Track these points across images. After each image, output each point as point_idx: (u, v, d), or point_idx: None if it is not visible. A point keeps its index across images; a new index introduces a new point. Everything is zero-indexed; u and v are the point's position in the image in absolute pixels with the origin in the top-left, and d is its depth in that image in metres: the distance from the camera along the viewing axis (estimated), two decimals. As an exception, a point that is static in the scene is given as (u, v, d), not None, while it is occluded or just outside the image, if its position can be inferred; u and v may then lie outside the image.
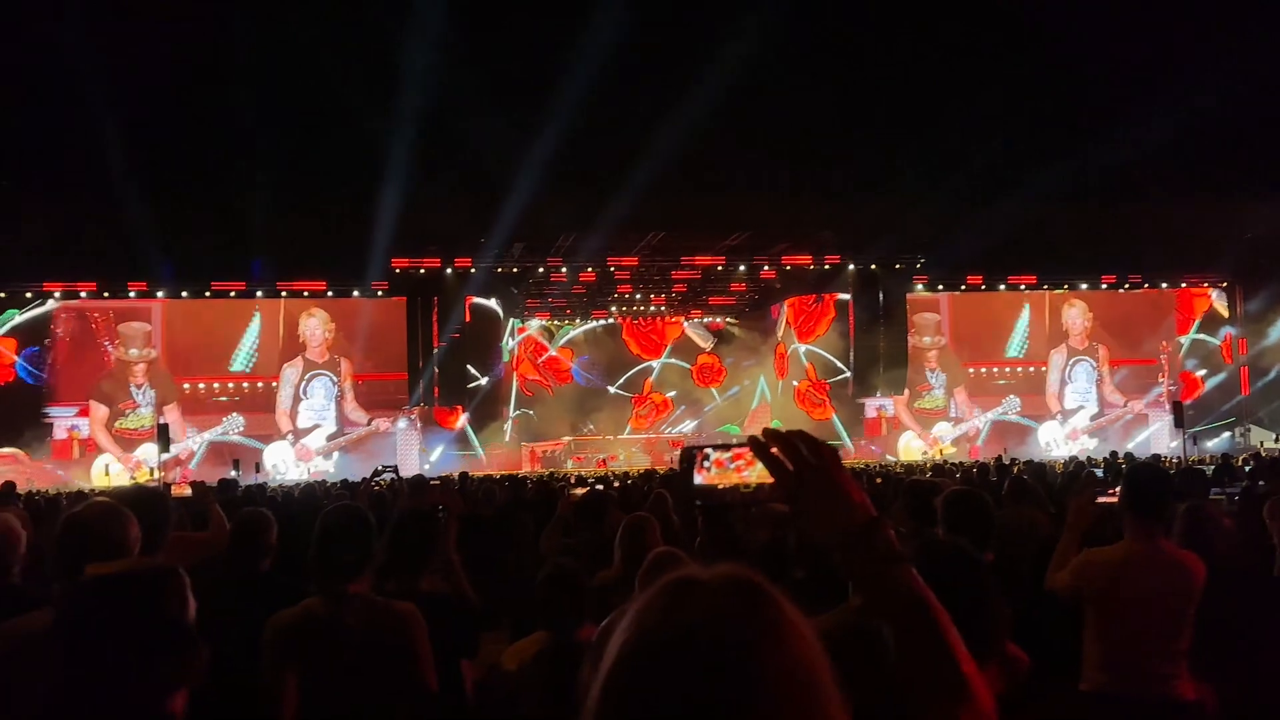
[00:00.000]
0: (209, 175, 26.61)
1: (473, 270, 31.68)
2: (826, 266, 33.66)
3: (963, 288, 35.88)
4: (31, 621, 2.78)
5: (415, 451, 32.13)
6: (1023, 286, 36.11)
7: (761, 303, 37.04)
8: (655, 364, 38.20)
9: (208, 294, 32.08)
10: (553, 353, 37.34)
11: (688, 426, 37.18)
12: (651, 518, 4.73)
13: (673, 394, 37.95)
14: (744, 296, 36.92)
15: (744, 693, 1.01)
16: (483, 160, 26.87)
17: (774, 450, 1.39)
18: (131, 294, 31.34)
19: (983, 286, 35.94)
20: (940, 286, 35.66)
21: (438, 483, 9.86)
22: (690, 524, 5.74)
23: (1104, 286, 36.56)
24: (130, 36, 24.21)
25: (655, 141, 26.91)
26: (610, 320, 37.49)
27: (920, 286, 35.02)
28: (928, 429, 35.48)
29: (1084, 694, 3.85)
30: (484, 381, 32.59)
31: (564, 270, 32.86)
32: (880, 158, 28.37)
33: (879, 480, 12.03)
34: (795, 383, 36.00)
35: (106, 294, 31.32)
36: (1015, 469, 12.79)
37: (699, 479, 1.50)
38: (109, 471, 29.50)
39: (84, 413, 30.74)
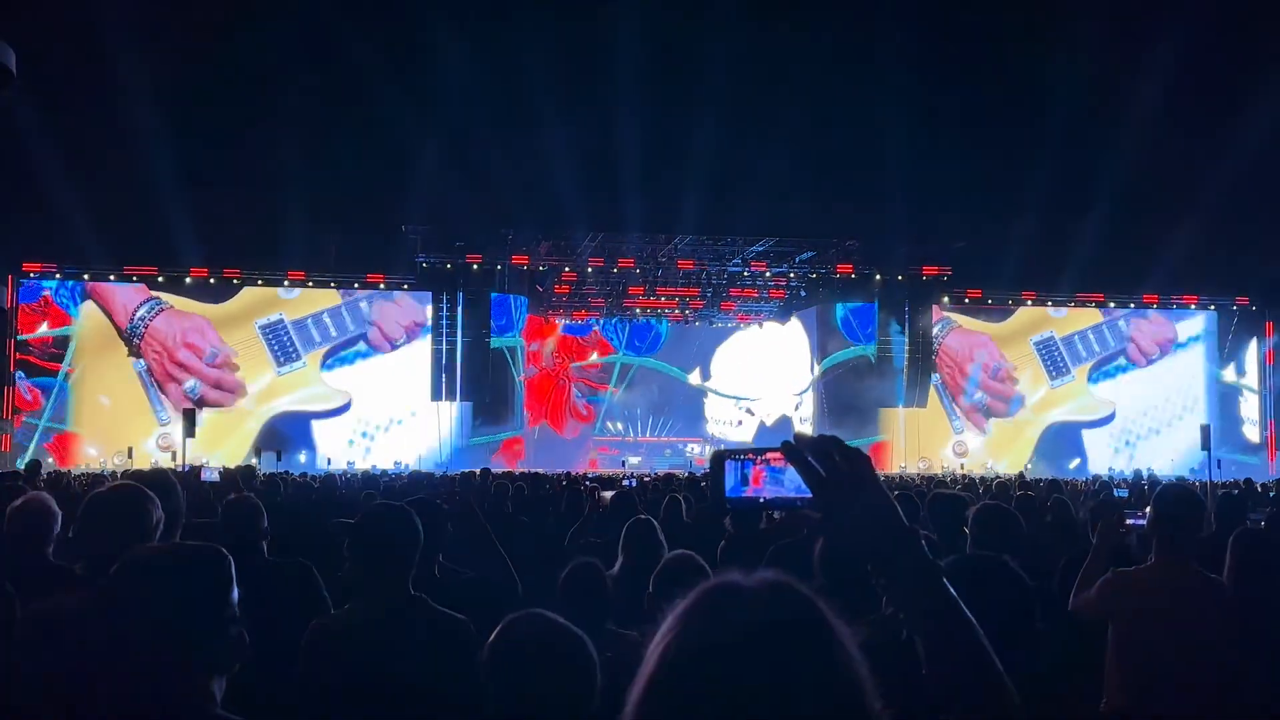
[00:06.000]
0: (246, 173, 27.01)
1: (499, 267, 31.76)
2: (853, 275, 33.54)
3: (990, 302, 35.62)
4: (62, 602, 2.80)
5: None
6: (1049, 303, 35.91)
7: (787, 309, 36.86)
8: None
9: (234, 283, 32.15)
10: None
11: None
12: (653, 520, 4.87)
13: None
14: (769, 302, 36.72)
15: (789, 698, 1.02)
16: (510, 159, 27.09)
17: (807, 456, 1.35)
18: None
19: (1010, 303, 35.67)
20: (967, 300, 35.43)
21: (456, 476, 9.91)
22: (713, 528, 5.77)
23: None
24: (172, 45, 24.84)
25: (684, 145, 27.01)
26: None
27: (947, 299, 34.82)
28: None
29: (1104, 715, 3.81)
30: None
31: (589, 270, 32.90)
32: (913, 167, 28.35)
33: (896, 493, 11.89)
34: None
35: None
36: (1037, 485, 12.68)
37: (730, 484, 1.46)
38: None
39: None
